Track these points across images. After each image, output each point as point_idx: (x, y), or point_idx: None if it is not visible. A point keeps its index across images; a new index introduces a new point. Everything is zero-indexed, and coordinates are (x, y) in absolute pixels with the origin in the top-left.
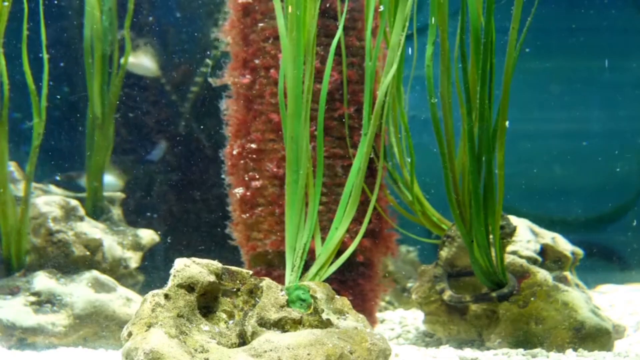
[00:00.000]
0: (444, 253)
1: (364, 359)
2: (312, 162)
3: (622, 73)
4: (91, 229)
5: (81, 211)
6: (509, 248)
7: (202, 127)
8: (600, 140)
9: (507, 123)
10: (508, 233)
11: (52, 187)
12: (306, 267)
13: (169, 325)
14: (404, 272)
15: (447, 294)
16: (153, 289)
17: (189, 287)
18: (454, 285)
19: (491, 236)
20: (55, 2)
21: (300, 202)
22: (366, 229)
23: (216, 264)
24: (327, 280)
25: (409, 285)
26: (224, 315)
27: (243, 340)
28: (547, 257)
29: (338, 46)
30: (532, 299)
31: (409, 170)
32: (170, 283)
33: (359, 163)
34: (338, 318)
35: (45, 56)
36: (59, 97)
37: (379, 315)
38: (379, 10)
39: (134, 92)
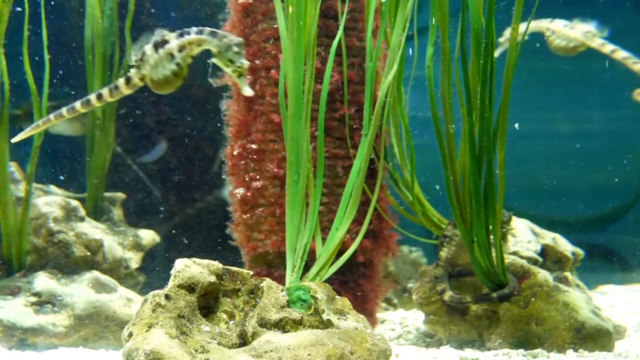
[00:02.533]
0: (443, 253)
1: (365, 359)
2: (312, 163)
3: (622, 73)
4: (92, 229)
5: (82, 212)
6: (510, 248)
7: None
8: (600, 141)
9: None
10: (505, 221)
11: (53, 188)
12: (307, 267)
13: (169, 326)
14: (405, 272)
15: (448, 295)
16: (154, 290)
17: (190, 287)
18: (454, 286)
19: (492, 236)
20: (52, 2)
21: (300, 202)
22: (367, 230)
23: (217, 265)
24: (327, 280)
25: (410, 285)
26: (224, 316)
27: (243, 340)
28: (548, 257)
29: (339, 47)
30: (532, 299)
31: (409, 170)
32: (170, 283)
33: (359, 163)
34: (339, 318)
35: (47, 56)
36: (73, 92)
37: (379, 315)
38: (381, 2)
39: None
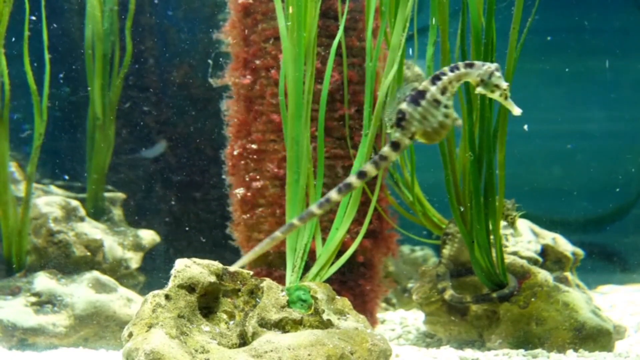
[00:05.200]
0: (446, 251)
1: (365, 359)
2: (312, 163)
3: (622, 73)
4: (92, 229)
5: (82, 212)
6: (509, 249)
7: None
8: (601, 141)
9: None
10: (509, 208)
11: (53, 188)
12: (307, 267)
13: (169, 326)
14: (405, 272)
15: (449, 293)
16: (154, 290)
17: (190, 287)
18: (455, 286)
19: (492, 236)
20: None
21: (301, 202)
22: (367, 230)
23: (217, 265)
24: (327, 280)
25: (410, 285)
26: (224, 316)
27: (244, 340)
28: (548, 257)
29: (339, 47)
30: (532, 299)
31: (409, 170)
32: (170, 283)
33: (359, 163)
34: (339, 318)
35: (47, 56)
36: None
37: (379, 315)
38: (381, 2)
39: None
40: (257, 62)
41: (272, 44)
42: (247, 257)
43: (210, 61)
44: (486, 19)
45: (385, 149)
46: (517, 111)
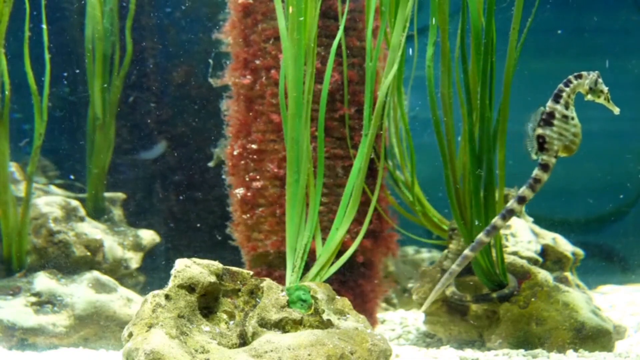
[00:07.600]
0: (453, 246)
1: (365, 359)
2: (312, 163)
3: (622, 73)
4: (92, 229)
5: (82, 212)
6: (510, 249)
7: None
8: (601, 141)
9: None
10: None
11: (53, 188)
12: (307, 267)
13: (169, 326)
14: (405, 272)
15: (450, 290)
16: (154, 290)
17: (190, 287)
18: (455, 285)
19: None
20: None
21: (300, 202)
22: (367, 230)
23: (217, 265)
24: (327, 280)
25: (410, 285)
26: (224, 316)
27: (244, 340)
28: (548, 257)
29: (339, 47)
30: (532, 299)
31: (409, 170)
32: (170, 283)
33: (359, 163)
34: (339, 318)
35: (47, 56)
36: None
37: (379, 315)
38: (381, 2)
39: None
40: (257, 62)
41: (272, 44)
42: (432, 297)
43: (210, 61)
44: (486, 19)
45: (537, 172)
46: (617, 110)
